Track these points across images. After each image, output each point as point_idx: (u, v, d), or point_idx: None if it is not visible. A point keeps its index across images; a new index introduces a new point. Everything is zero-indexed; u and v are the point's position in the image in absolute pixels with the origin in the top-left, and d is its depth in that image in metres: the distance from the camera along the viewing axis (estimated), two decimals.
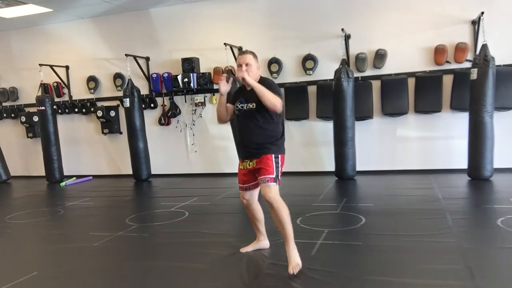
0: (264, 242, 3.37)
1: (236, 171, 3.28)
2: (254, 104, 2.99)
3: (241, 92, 3.13)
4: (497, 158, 5.57)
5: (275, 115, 3.03)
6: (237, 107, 3.11)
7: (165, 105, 7.54)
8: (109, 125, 7.83)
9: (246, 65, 3.00)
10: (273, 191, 2.92)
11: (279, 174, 3.01)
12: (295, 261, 2.88)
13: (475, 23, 5.87)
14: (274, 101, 2.89)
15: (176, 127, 7.55)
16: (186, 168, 7.60)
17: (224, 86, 3.12)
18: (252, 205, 3.23)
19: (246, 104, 3.05)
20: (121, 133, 7.88)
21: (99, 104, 7.90)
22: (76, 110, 8.10)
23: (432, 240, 3.38)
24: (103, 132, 7.94)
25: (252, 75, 2.99)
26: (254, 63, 3.05)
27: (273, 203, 2.90)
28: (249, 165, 3.09)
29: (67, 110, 8.14)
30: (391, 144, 6.50)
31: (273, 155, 3.00)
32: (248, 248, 3.34)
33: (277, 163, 3.00)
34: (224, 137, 7.12)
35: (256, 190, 3.20)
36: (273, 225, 3.31)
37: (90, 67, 7.89)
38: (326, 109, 6.43)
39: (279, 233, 3.02)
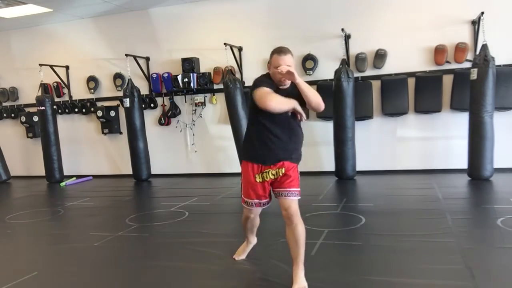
0: (253, 241, 3.23)
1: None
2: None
3: (273, 86, 2.65)
4: (497, 158, 5.57)
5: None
6: None
7: (165, 105, 7.54)
8: (109, 125, 7.82)
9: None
10: (296, 206, 2.68)
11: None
12: (302, 283, 2.62)
13: (475, 23, 5.87)
14: (318, 99, 2.60)
15: (176, 127, 7.55)
16: (186, 168, 7.60)
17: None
18: (256, 218, 3.01)
19: None
20: (121, 133, 7.88)
21: (99, 104, 7.90)
22: (76, 110, 8.10)
23: (432, 240, 3.38)
24: (103, 132, 7.94)
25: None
26: (292, 64, 2.63)
27: (293, 219, 2.63)
28: (272, 174, 2.70)
29: (67, 110, 8.13)
30: (391, 144, 6.50)
31: (297, 166, 2.77)
32: (242, 256, 3.21)
33: (299, 175, 2.78)
34: (224, 137, 7.12)
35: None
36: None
37: (90, 67, 7.89)
38: (326, 109, 6.31)
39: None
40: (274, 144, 2.68)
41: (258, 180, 2.75)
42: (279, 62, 2.59)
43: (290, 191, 2.68)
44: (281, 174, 2.71)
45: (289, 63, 2.59)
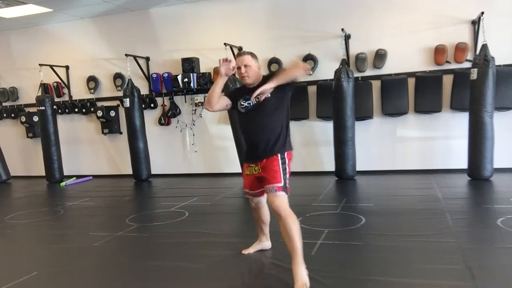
0: (266, 243, 3.35)
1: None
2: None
3: (244, 90, 2.97)
4: (497, 158, 5.57)
5: (280, 108, 2.91)
6: (242, 105, 2.93)
7: (165, 105, 7.54)
8: (109, 125, 7.82)
9: (245, 66, 2.89)
10: (280, 200, 2.75)
11: (287, 181, 2.84)
12: (302, 281, 2.59)
13: (475, 23, 5.87)
14: (293, 73, 2.83)
15: (176, 127, 7.55)
16: (186, 168, 7.60)
17: (228, 70, 2.92)
18: (261, 208, 3.17)
19: (252, 101, 2.89)
20: (121, 133, 7.88)
21: (99, 104, 7.90)
22: (76, 110, 8.09)
23: (432, 240, 3.38)
24: (103, 132, 7.94)
25: (252, 76, 2.90)
26: (254, 63, 2.92)
27: (280, 213, 2.70)
28: (255, 170, 2.95)
29: (67, 110, 8.13)
30: (391, 144, 6.50)
31: (279, 156, 2.84)
32: (250, 250, 3.32)
33: (284, 169, 2.83)
34: (224, 137, 7.12)
35: (265, 195, 3.08)
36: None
37: (90, 67, 7.89)
38: (326, 109, 6.43)
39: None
40: (250, 145, 2.99)
41: (247, 172, 3.05)
42: (238, 63, 2.94)
43: (269, 187, 2.81)
44: (259, 171, 2.92)
45: (246, 62, 2.90)
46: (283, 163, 2.86)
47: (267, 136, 2.89)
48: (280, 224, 2.74)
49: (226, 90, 3.05)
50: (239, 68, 2.92)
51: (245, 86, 2.98)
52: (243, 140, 3.13)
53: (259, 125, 2.90)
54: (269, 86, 2.76)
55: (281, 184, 2.80)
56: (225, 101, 3.02)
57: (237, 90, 3.08)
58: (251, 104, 2.90)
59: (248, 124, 2.96)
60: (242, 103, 2.95)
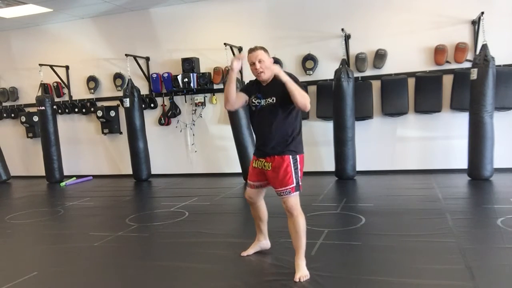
0: (264, 242, 3.32)
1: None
2: (274, 99, 2.84)
3: (257, 87, 2.96)
4: (497, 158, 5.57)
5: (294, 109, 2.86)
6: (253, 103, 2.93)
7: (165, 105, 7.54)
8: (109, 125, 7.82)
9: (259, 61, 2.82)
10: (294, 200, 2.85)
11: (300, 180, 2.89)
12: (304, 272, 2.79)
13: (475, 23, 5.87)
14: (305, 100, 2.73)
15: (176, 127, 7.55)
16: (186, 168, 7.60)
17: (238, 64, 2.87)
18: (257, 203, 3.17)
19: (264, 99, 2.88)
20: (121, 133, 7.88)
21: (99, 104, 7.90)
22: (76, 110, 8.09)
23: (432, 240, 3.38)
24: (103, 132, 7.94)
25: (267, 71, 2.84)
26: (267, 58, 2.85)
27: (293, 213, 2.84)
28: (264, 165, 2.93)
29: (67, 110, 8.13)
30: (391, 144, 6.50)
31: (291, 157, 2.85)
32: (249, 252, 3.28)
33: (296, 168, 2.85)
34: (224, 137, 7.12)
35: (264, 189, 3.12)
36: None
37: (90, 67, 7.89)
38: (326, 109, 6.43)
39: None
40: (260, 140, 2.97)
41: (254, 165, 3.04)
42: (252, 59, 2.85)
43: (282, 190, 2.86)
44: (269, 168, 2.90)
45: (260, 57, 2.83)
46: (295, 162, 2.87)
47: (278, 135, 2.86)
48: (290, 221, 2.89)
49: (241, 86, 3.00)
50: (253, 64, 2.84)
51: (259, 82, 2.95)
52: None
53: (271, 124, 2.86)
54: (282, 75, 2.73)
55: (294, 185, 2.85)
56: (244, 98, 2.98)
57: (251, 86, 3.00)
58: (261, 103, 2.89)
59: (260, 121, 2.93)
60: (253, 100, 2.94)
